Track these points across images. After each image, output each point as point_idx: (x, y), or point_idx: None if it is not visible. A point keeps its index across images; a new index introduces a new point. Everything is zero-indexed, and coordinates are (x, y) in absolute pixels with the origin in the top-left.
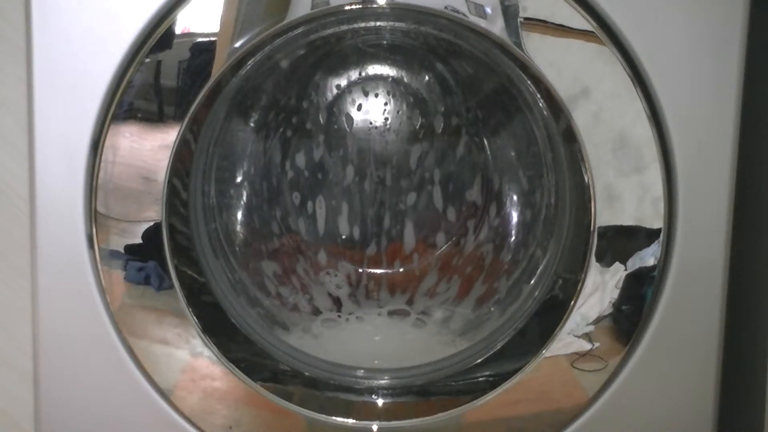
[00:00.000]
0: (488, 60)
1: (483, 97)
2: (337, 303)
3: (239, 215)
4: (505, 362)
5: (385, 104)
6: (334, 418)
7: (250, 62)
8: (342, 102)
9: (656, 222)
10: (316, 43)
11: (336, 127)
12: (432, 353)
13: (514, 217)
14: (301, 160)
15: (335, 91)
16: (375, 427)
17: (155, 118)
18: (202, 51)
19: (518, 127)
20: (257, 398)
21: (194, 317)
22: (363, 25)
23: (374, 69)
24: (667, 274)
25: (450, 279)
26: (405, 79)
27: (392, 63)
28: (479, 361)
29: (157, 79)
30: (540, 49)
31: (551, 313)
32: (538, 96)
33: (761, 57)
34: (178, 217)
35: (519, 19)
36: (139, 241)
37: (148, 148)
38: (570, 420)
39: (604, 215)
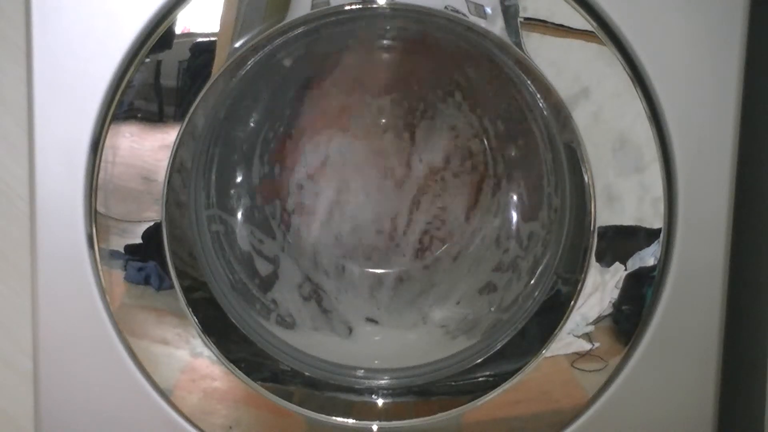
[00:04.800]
0: (489, 60)
1: (484, 96)
2: (338, 303)
3: (239, 215)
4: (505, 362)
5: (385, 105)
6: (334, 418)
7: (251, 62)
8: (342, 102)
9: (656, 222)
10: (317, 43)
11: (336, 127)
12: (432, 353)
13: (514, 216)
14: (300, 159)
15: (335, 91)
16: (375, 427)
17: (155, 118)
18: (202, 51)
19: (518, 127)
20: (257, 398)
21: (194, 317)
22: (363, 24)
23: (374, 69)
24: (667, 274)
25: (450, 279)
26: (405, 80)
27: (392, 63)
28: (479, 361)
29: (157, 79)
30: (540, 49)
31: (551, 313)
32: (538, 96)
33: (761, 57)
34: (178, 217)
35: (519, 19)
36: (139, 241)
37: (148, 148)
38: (570, 420)
39: (604, 215)
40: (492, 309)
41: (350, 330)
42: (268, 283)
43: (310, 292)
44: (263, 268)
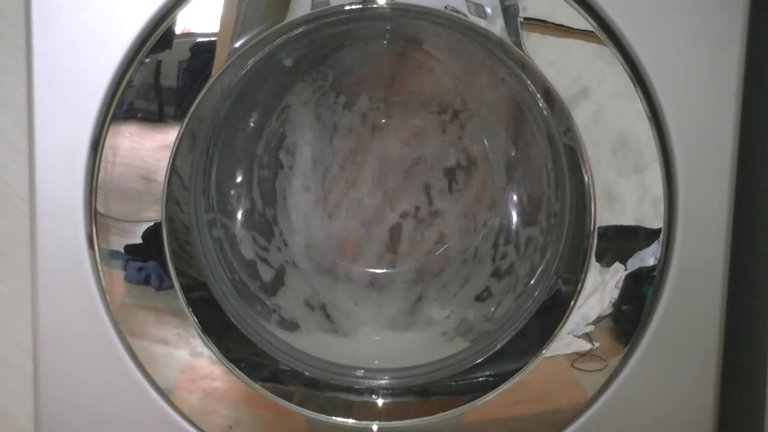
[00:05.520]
0: (489, 61)
1: (483, 96)
2: (340, 307)
3: (239, 215)
4: (505, 362)
5: (385, 106)
6: (334, 418)
7: (251, 62)
8: (342, 102)
9: (656, 222)
10: (317, 42)
11: (336, 127)
12: (432, 353)
13: (514, 217)
14: (301, 159)
15: (335, 90)
16: (375, 427)
17: (155, 118)
18: (202, 51)
19: (518, 126)
20: (257, 398)
21: (194, 317)
22: (363, 24)
23: (374, 69)
24: (667, 274)
25: (450, 279)
26: (404, 81)
27: (392, 63)
28: (479, 361)
29: (157, 79)
30: (540, 49)
31: (551, 313)
32: (538, 96)
33: (761, 57)
34: (178, 217)
35: (519, 19)
36: (139, 241)
37: (148, 148)
38: (570, 420)
39: (604, 215)
40: (492, 309)
41: (350, 331)
42: (272, 289)
43: (315, 301)
44: (266, 273)
